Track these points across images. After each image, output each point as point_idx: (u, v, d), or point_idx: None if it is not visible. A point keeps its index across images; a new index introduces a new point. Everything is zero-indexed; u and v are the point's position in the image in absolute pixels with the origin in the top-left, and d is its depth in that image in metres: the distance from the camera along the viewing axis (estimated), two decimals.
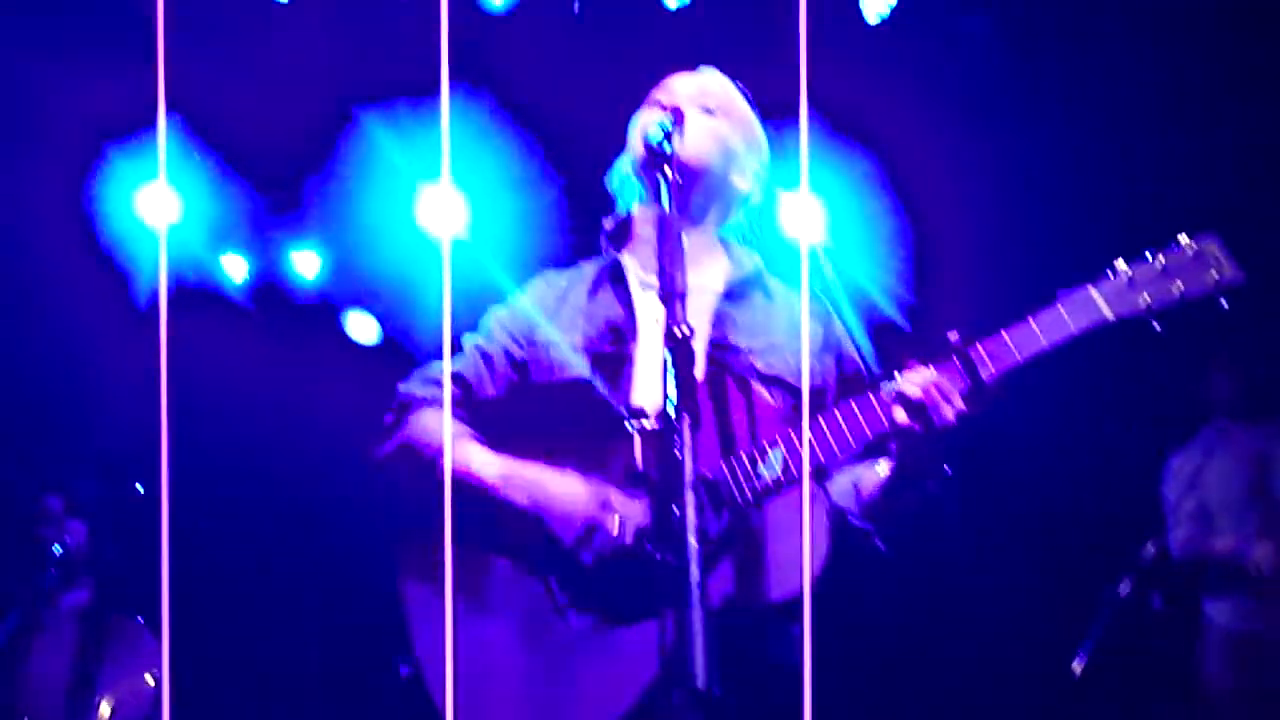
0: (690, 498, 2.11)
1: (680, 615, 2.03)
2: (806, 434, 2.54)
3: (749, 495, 2.56)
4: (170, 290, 5.12)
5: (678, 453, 2.17)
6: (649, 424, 2.46)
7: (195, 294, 6.25)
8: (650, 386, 2.73)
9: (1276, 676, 5.33)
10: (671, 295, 2.37)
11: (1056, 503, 5.99)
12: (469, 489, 2.70)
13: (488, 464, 2.73)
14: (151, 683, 4.87)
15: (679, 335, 2.30)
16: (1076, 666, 5.35)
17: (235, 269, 6.60)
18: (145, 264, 5.93)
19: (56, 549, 5.04)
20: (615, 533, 2.59)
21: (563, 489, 2.66)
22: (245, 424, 6.15)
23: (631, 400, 2.73)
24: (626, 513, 2.60)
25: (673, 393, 2.24)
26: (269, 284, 6.57)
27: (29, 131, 5.71)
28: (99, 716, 4.83)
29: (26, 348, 6.12)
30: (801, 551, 2.46)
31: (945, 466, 2.65)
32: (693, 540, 2.06)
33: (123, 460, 5.27)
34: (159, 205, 5.84)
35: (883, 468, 2.67)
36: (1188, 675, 5.54)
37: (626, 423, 2.61)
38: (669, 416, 2.23)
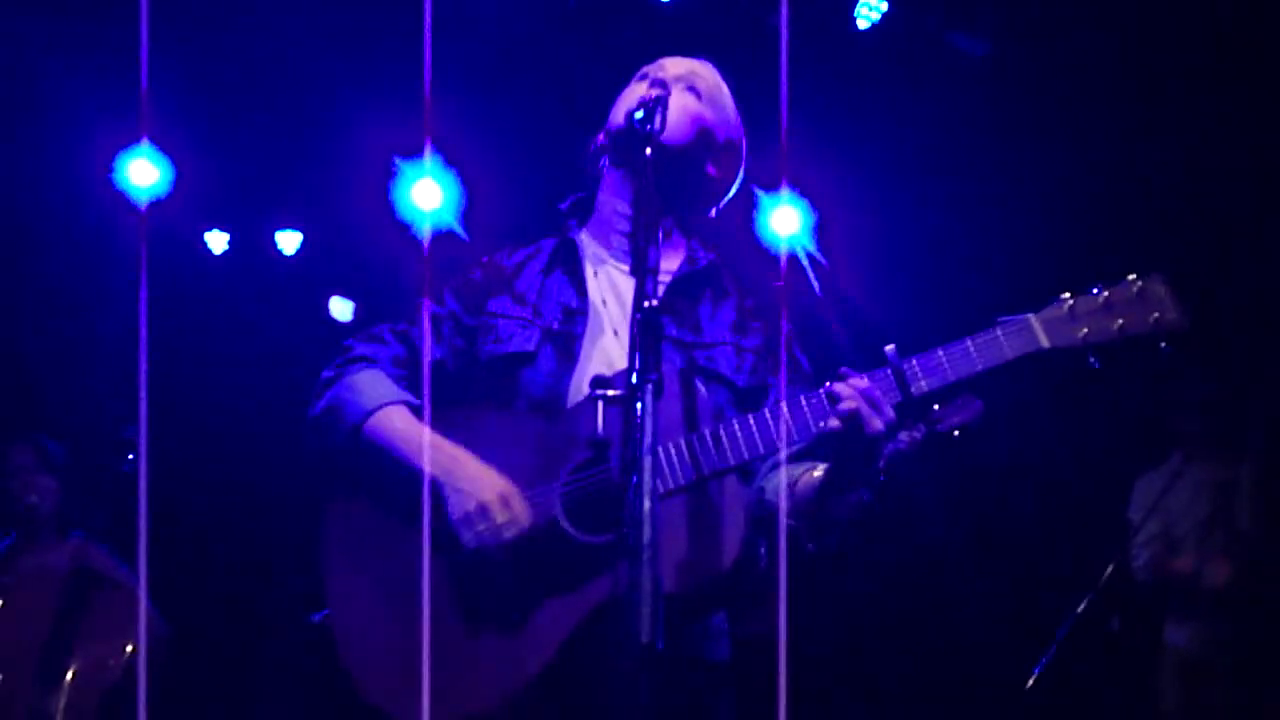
0: (648, 461, 2.14)
1: (632, 573, 2.05)
2: (784, 436, 2.59)
3: (670, 485, 2.59)
4: (151, 260, 5.11)
5: (639, 418, 2.20)
6: (612, 392, 2.48)
7: (176, 264, 6.26)
8: (598, 364, 2.79)
9: (1230, 703, 5.36)
10: (644, 269, 2.41)
11: (1018, 519, 6.02)
12: (386, 452, 2.75)
13: (409, 429, 2.77)
14: (129, 651, 4.79)
15: (647, 306, 2.34)
16: (1029, 683, 5.36)
17: (216, 243, 6.63)
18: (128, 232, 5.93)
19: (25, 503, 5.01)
20: (500, 521, 2.63)
21: (472, 470, 2.70)
22: (218, 393, 6.17)
23: (575, 376, 2.78)
24: (516, 515, 2.65)
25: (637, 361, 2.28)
26: (249, 258, 6.60)
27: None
28: (66, 681, 4.76)
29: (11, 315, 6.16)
30: (703, 550, 2.53)
31: (880, 474, 2.70)
32: (647, 502, 2.09)
33: (100, 422, 5.27)
34: (142, 174, 5.84)
35: (819, 471, 2.71)
36: (1140, 697, 5.56)
37: (589, 392, 2.64)
38: (632, 384, 2.26)
